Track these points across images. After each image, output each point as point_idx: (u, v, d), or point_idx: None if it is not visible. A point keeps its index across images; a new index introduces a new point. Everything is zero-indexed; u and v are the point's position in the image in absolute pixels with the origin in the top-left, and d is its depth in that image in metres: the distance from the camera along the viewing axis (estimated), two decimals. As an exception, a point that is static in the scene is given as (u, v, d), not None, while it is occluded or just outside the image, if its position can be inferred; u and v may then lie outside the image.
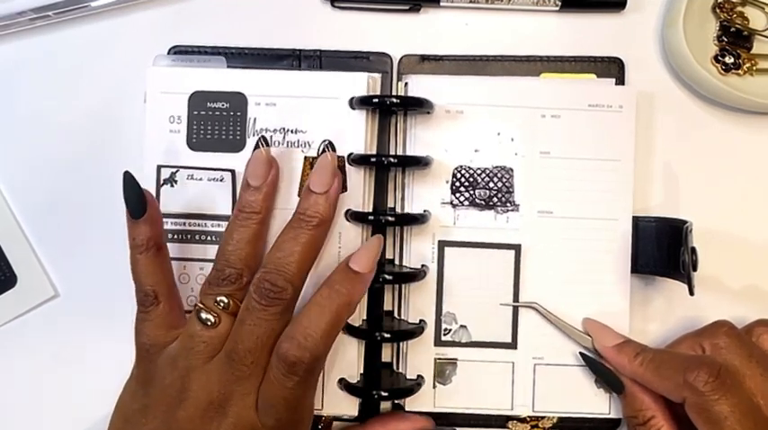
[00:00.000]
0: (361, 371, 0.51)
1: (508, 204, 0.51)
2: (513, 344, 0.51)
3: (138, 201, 0.45)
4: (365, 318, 0.51)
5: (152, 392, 0.45)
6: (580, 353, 0.50)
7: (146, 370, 0.46)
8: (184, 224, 0.50)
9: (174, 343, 0.45)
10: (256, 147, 0.47)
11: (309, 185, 0.47)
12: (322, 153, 0.47)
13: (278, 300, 0.44)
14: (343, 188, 0.50)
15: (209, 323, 0.45)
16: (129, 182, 0.45)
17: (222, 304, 0.45)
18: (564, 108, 0.51)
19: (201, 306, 0.45)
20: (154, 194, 0.50)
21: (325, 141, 0.48)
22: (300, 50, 0.53)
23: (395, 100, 0.50)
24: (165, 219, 0.50)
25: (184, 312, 0.48)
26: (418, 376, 0.51)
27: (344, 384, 0.49)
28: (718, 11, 0.53)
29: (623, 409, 0.49)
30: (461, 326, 0.51)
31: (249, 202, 0.47)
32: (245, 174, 0.47)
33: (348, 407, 0.50)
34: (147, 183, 0.50)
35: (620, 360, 0.48)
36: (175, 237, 0.50)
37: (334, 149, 0.47)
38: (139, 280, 0.46)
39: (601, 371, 0.49)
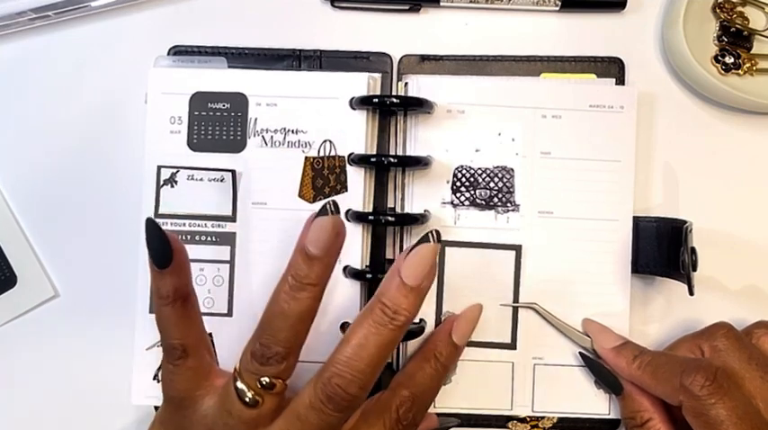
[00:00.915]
0: None
1: (509, 204, 0.51)
2: (512, 345, 0.51)
3: (162, 250, 0.41)
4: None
5: None
6: (579, 353, 0.50)
7: (177, 424, 0.44)
8: (184, 225, 0.50)
9: (208, 402, 0.43)
10: (324, 211, 0.41)
11: (402, 274, 0.41)
12: (424, 241, 0.42)
13: (347, 408, 0.41)
14: (344, 188, 0.50)
15: (250, 403, 0.41)
16: (153, 229, 0.41)
17: (265, 384, 0.41)
18: (565, 108, 0.51)
19: (243, 384, 0.41)
20: (154, 196, 0.50)
21: (432, 231, 0.42)
22: (300, 50, 0.53)
23: (395, 100, 0.50)
24: (165, 220, 0.50)
25: (215, 359, 0.46)
26: None
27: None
28: (718, 11, 0.53)
29: (621, 410, 0.49)
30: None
31: (306, 273, 0.40)
32: (306, 238, 0.41)
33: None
34: (148, 184, 0.50)
35: (618, 362, 0.48)
36: (176, 237, 0.50)
37: (438, 239, 0.42)
38: (166, 332, 0.43)
39: (600, 372, 0.49)
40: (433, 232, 0.41)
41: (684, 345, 0.49)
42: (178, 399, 0.43)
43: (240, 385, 0.41)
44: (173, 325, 0.43)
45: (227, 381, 0.42)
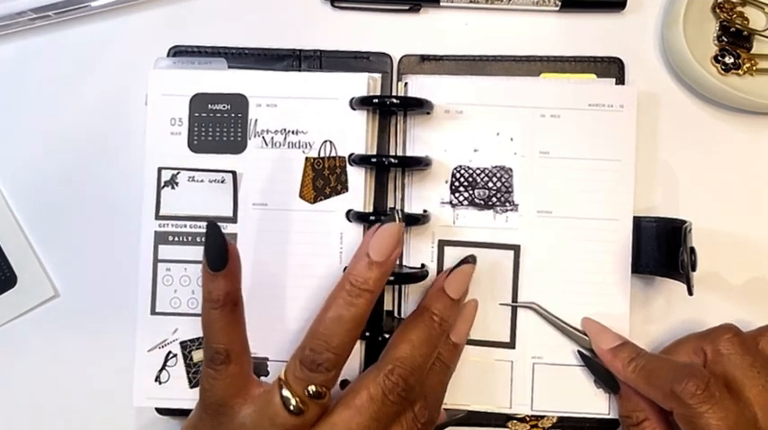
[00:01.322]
0: (363, 368, 0.51)
1: (507, 204, 0.51)
2: (511, 344, 0.51)
3: (219, 253, 0.42)
4: (365, 318, 0.51)
5: None
6: (578, 352, 0.50)
7: (213, 428, 0.44)
8: (185, 226, 0.50)
9: (245, 410, 0.42)
10: (390, 218, 0.44)
11: (445, 288, 0.47)
12: (465, 262, 0.48)
13: (405, 400, 0.43)
14: (344, 188, 0.50)
15: (294, 411, 0.41)
16: (213, 232, 0.42)
17: (312, 393, 0.41)
18: (564, 108, 0.51)
19: (289, 391, 0.41)
20: (154, 197, 0.50)
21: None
22: (300, 51, 0.53)
23: (395, 100, 0.50)
24: (165, 221, 0.50)
25: (253, 371, 0.45)
26: None
27: (346, 384, 0.49)
28: (718, 11, 0.53)
29: (618, 409, 0.50)
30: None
31: (366, 278, 0.42)
32: (368, 245, 0.43)
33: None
34: (149, 186, 0.50)
35: (614, 364, 0.48)
36: (176, 239, 0.50)
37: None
38: (211, 337, 0.43)
39: (598, 371, 0.49)
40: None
41: (687, 345, 0.48)
42: (216, 406, 0.43)
43: (286, 393, 0.41)
44: (219, 329, 0.43)
45: (269, 390, 0.42)
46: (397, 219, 0.43)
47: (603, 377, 0.49)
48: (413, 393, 0.43)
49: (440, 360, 0.46)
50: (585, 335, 0.50)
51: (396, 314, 0.51)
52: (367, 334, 0.49)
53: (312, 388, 0.41)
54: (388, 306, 0.51)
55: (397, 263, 0.51)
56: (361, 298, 0.42)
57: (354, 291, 0.42)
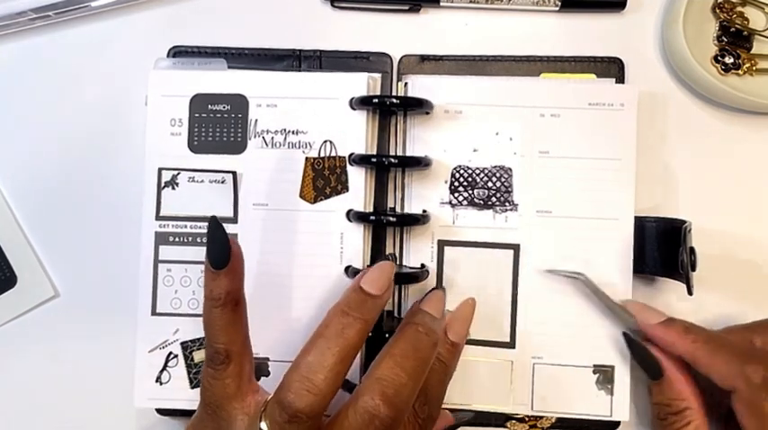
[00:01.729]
0: (363, 371, 0.51)
1: (507, 204, 0.51)
2: (511, 344, 0.51)
3: (221, 251, 0.41)
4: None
5: None
6: (623, 333, 0.49)
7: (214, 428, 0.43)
8: (186, 227, 0.50)
9: (242, 420, 0.42)
10: (386, 258, 0.47)
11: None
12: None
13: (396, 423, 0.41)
14: (345, 188, 0.50)
15: None
16: (215, 229, 0.41)
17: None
18: (564, 107, 0.51)
19: (267, 426, 0.40)
20: (155, 198, 0.50)
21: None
22: (300, 51, 0.53)
23: (395, 100, 0.50)
24: (166, 222, 0.50)
25: (254, 371, 0.45)
26: None
27: (346, 384, 0.49)
28: (718, 11, 0.53)
29: (655, 396, 0.48)
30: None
31: (359, 307, 0.42)
32: (361, 279, 0.43)
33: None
34: (149, 186, 0.50)
35: (668, 336, 0.47)
36: (177, 239, 0.50)
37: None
38: (212, 336, 0.42)
39: (642, 354, 0.48)
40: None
41: (734, 336, 0.48)
42: (215, 406, 0.42)
43: (264, 427, 0.40)
44: (220, 328, 0.42)
45: (256, 412, 0.41)
46: (393, 259, 0.44)
47: (646, 361, 0.47)
48: (401, 417, 0.41)
49: (439, 360, 0.46)
50: (631, 316, 0.49)
51: (396, 314, 0.51)
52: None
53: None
54: (387, 306, 0.51)
55: (397, 263, 0.51)
56: (353, 328, 0.41)
57: (347, 320, 0.41)
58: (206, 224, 0.49)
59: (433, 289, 0.48)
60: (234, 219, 0.50)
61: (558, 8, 0.53)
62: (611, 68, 0.52)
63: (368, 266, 0.45)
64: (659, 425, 0.47)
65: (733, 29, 0.53)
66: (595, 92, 0.51)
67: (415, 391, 0.42)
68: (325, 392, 0.39)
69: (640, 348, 0.48)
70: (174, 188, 0.50)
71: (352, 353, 0.41)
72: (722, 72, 0.52)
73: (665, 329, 0.47)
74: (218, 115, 0.50)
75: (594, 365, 0.50)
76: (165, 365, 0.50)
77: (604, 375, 0.50)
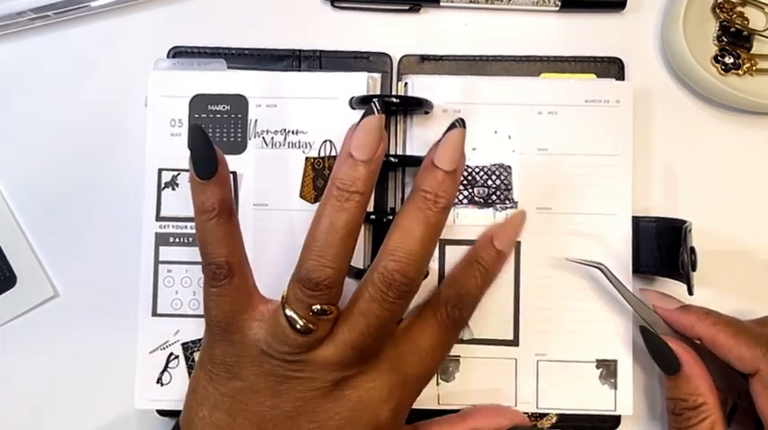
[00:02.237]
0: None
1: (507, 202, 0.51)
2: (515, 341, 0.51)
3: (207, 158, 0.40)
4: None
5: (239, 386, 0.42)
6: (640, 327, 0.48)
7: (225, 352, 0.42)
8: (186, 227, 0.50)
9: (256, 328, 0.41)
10: (368, 111, 0.41)
11: (435, 161, 0.42)
12: (453, 128, 0.42)
13: (408, 293, 0.42)
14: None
15: (302, 330, 0.40)
16: (198, 136, 0.40)
17: (317, 311, 0.40)
18: (561, 104, 0.51)
19: (293, 312, 0.40)
20: (155, 199, 0.50)
21: (458, 121, 0.43)
22: (300, 51, 0.53)
23: (395, 100, 0.50)
24: (166, 223, 0.50)
25: (256, 285, 0.44)
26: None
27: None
28: (718, 11, 0.53)
29: (670, 391, 0.47)
30: (462, 324, 0.51)
31: (353, 178, 0.40)
32: (350, 144, 0.41)
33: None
34: (149, 187, 0.50)
35: (686, 320, 0.47)
36: (177, 240, 0.50)
37: (463, 125, 0.42)
38: (210, 250, 0.41)
39: (659, 347, 0.47)
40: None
41: (753, 323, 0.48)
42: (224, 324, 0.42)
43: (290, 313, 0.40)
44: (217, 241, 0.41)
45: (276, 309, 0.41)
46: (376, 111, 0.41)
47: (663, 354, 0.46)
48: (416, 285, 0.42)
49: (480, 264, 0.46)
50: (648, 306, 0.49)
51: None
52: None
53: (316, 307, 0.40)
54: None
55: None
56: (351, 201, 0.40)
57: (343, 195, 0.40)
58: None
59: (451, 124, 0.43)
60: (234, 220, 0.50)
61: (558, 8, 0.53)
62: (612, 68, 0.52)
63: (357, 122, 0.42)
64: (674, 421, 0.47)
65: (733, 29, 0.53)
66: (592, 89, 0.51)
67: (428, 257, 0.42)
68: (340, 265, 0.40)
69: (658, 341, 0.47)
70: (174, 189, 0.50)
71: (356, 226, 0.41)
72: (722, 72, 0.52)
73: (684, 313, 0.47)
74: (218, 115, 0.50)
75: (597, 360, 0.50)
76: (166, 366, 0.50)
77: (607, 369, 0.50)
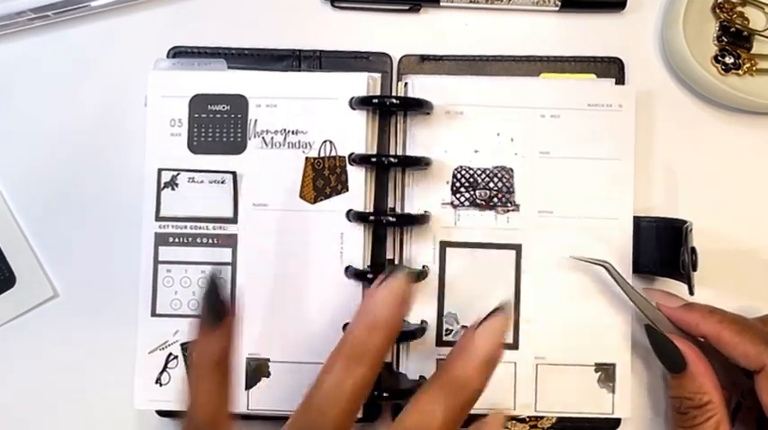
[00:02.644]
0: None
1: (509, 204, 0.51)
2: (514, 345, 0.51)
3: (215, 308, 0.37)
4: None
5: None
6: (646, 325, 0.48)
7: None
8: (186, 227, 0.50)
9: None
10: (396, 269, 0.39)
11: (474, 345, 0.38)
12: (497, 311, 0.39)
13: None
14: (345, 188, 0.50)
15: None
16: (212, 286, 0.37)
17: None
18: (563, 108, 0.51)
19: None
20: (154, 199, 0.50)
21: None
22: (300, 51, 0.53)
23: (395, 100, 0.50)
24: (166, 223, 0.50)
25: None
26: (420, 377, 0.50)
27: None
28: (718, 11, 0.53)
29: (675, 390, 0.47)
30: (463, 326, 0.51)
31: (366, 342, 0.37)
32: (370, 303, 0.38)
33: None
34: (149, 187, 0.50)
35: (691, 318, 0.47)
36: (177, 240, 0.50)
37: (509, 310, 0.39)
38: (195, 407, 0.36)
39: (664, 346, 0.47)
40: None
41: (758, 321, 0.48)
42: None
43: None
44: (205, 399, 0.37)
45: None
46: (403, 275, 0.38)
47: (669, 353, 0.46)
48: None
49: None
50: (652, 304, 0.48)
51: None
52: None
53: None
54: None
55: (397, 263, 0.51)
56: (362, 366, 0.37)
57: (355, 355, 0.37)
58: (206, 224, 0.49)
59: (496, 308, 0.40)
60: (234, 220, 0.50)
61: (558, 8, 0.53)
62: (611, 68, 0.52)
63: (382, 277, 0.39)
64: (679, 419, 0.47)
65: (733, 29, 0.53)
66: (594, 93, 0.51)
67: None
68: (339, 427, 0.37)
69: (663, 339, 0.47)
70: (173, 189, 0.50)
71: (364, 393, 0.38)
72: (722, 72, 0.52)
73: (688, 311, 0.47)
74: (218, 115, 0.50)
75: (596, 364, 0.50)
76: (165, 366, 0.50)
77: (606, 373, 0.50)
